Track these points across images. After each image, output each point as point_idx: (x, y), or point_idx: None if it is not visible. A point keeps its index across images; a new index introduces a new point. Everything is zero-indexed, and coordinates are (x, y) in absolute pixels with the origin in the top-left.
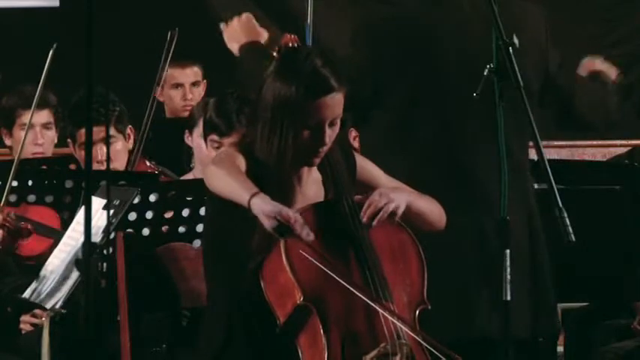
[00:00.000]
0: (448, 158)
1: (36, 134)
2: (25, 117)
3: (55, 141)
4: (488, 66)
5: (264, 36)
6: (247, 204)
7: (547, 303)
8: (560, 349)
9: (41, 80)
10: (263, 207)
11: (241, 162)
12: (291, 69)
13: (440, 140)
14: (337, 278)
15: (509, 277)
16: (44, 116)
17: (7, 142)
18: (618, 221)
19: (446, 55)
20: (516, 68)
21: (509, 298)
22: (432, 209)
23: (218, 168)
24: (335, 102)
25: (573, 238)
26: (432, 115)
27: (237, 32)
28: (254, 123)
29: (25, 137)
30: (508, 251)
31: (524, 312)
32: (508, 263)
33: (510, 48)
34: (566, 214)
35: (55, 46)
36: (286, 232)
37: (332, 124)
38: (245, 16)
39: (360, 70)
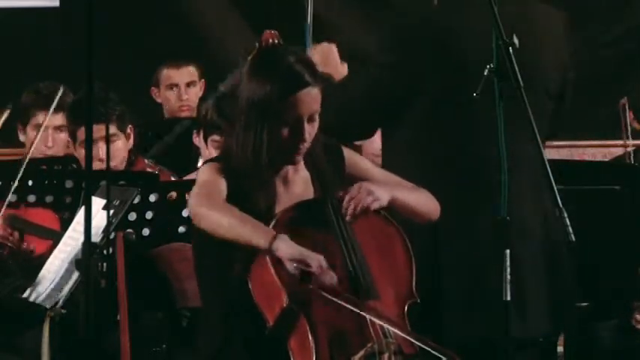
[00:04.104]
0: (471, 158)
1: (47, 137)
2: (40, 117)
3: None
4: (488, 66)
5: (340, 71)
6: (268, 248)
7: (567, 301)
8: (560, 349)
9: (49, 112)
10: (287, 251)
11: (222, 185)
12: (265, 68)
13: (464, 140)
14: (347, 305)
15: (509, 277)
16: (58, 119)
17: (22, 138)
18: (618, 221)
19: (470, 56)
20: (516, 68)
21: (509, 298)
22: (420, 201)
23: (218, 214)
24: (311, 97)
25: (573, 238)
26: (456, 116)
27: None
28: (231, 129)
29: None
30: (508, 251)
31: (541, 311)
32: (508, 263)
33: (510, 48)
34: (566, 214)
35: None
36: (309, 278)
37: (310, 120)
38: (327, 45)
39: (395, 73)
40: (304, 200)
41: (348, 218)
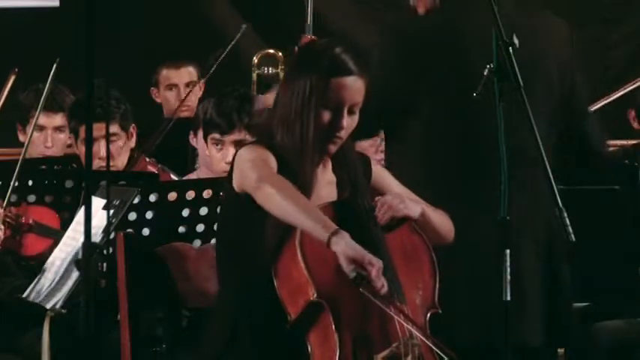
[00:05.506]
0: (474, 161)
1: (46, 137)
2: (40, 118)
3: (68, 142)
4: (488, 66)
5: None
6: (326, 241)
7: (563, 309)
8: (560, 349)
9: (44, 95)
10: (346, 250)
11: (273, 162)
12: (311, 59)
13: (465, 143)
14: (383, 307)
15: (509, 277)
16: (57, 120)
17: (21, 138)
18: (618, 221)
19: (471, 59)
20: (516, 68)
21: (509, 298)
22: (442, 222)
23: (281, 195)
24: (355, 86)
25: (573, 238)
26: (458, 119)
27: None
28: (273, 116)
29: (27, 143)
30: (508, 251)
31: (536, 318)
32: (508, 263)
33: (510, 48)
34: (566, 214)
35: (58, 60)
36: (364, 281)
37: (350, 112)
38: None
39: (395, 74)
40: (339, 200)
41: (380, 217)
